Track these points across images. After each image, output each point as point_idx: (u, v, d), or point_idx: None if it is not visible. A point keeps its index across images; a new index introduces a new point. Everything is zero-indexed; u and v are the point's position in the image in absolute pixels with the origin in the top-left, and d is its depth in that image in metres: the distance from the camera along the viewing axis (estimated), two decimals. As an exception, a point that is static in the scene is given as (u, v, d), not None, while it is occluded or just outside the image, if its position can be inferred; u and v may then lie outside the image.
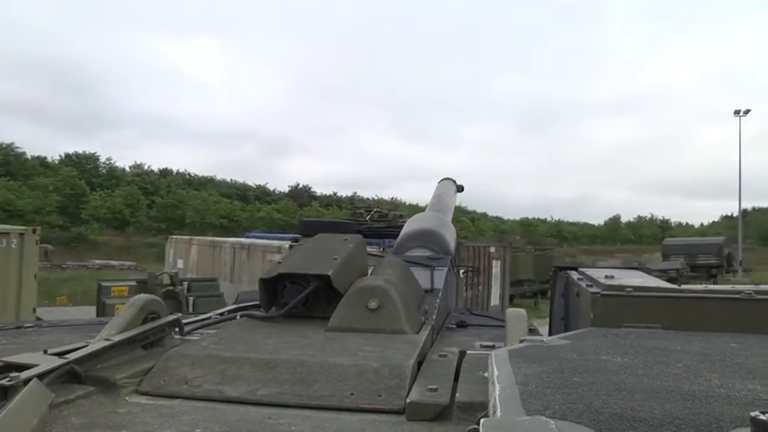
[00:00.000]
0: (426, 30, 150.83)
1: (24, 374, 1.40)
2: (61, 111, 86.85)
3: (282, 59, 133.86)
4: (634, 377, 1.28)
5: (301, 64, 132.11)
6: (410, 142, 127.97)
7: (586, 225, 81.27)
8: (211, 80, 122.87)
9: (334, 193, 71.65)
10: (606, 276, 2.43)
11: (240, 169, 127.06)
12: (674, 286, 2.27)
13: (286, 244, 13.99)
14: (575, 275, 2.83)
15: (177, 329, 2.16)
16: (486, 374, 1.49)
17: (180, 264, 18.57)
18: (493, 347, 1.95)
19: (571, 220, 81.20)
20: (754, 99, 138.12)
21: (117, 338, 1.80)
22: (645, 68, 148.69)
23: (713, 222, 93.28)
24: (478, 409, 1.38)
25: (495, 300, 18.57)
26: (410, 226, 4.19)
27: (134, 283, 12.90)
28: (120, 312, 1.97)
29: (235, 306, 2.96)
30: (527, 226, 67.82)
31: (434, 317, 2.53)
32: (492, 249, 19.20)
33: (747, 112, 50.06)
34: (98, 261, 35.00)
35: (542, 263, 28.08)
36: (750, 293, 2.05)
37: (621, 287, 2.17)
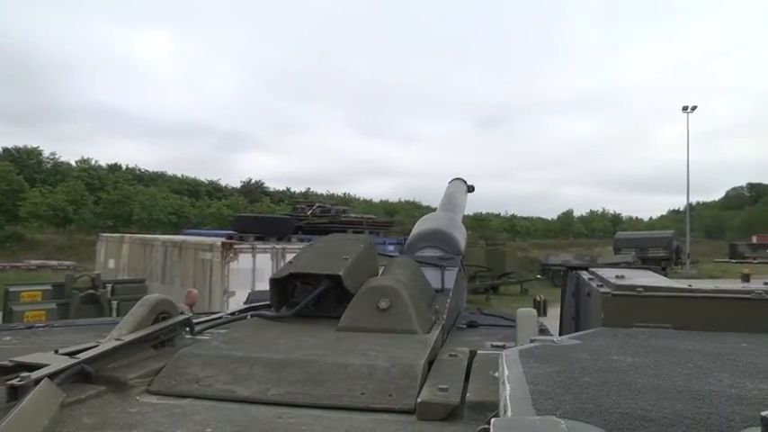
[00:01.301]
0: (384, 24, 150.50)
1: (35, 374, 1.42)
2: (1, 102, 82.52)
3: (238, 53, 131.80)
4: (644, 377, 1.30)
5: (257, 58, 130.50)
6: (366, 138, 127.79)
7: (540, 220, 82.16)
8: (165, 73, 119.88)
9: (288, 189, 71.00)
10: (617, 276, 2.43)
11: (193, 165, 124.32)
12: (685, 286, 2.25)
13: (219, 241, 13.35)
14: (585, 275, 2.81)
15: (188, 329, 2.18)
16: (496, 374, 1.52)
17: (111, 264, 17.41)
18: (503, 347, 1.97)
19: (525, 215, 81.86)
20: (707, 96, 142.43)
21: (128, 338, 1.82)
22: (604, 66, 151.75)
23: (661, 216, 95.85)
24: (489, 408, 1.42)
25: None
26: (421, 226, 4.22)
27: (49, 287, 11.75)
28: (130, 312, 1.97)
29: (246, 306, 3.00)
30: (480, 221, 68.31)
31: (445, 317, 2.52)
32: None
33: (694, 108, 51.47)
34: (34, 261, 33.03)
35: (494, 257, 27.66)
36: (761, 293, 2.04)
37: (632, 287, 2.17)
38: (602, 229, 76.32)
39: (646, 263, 44.61)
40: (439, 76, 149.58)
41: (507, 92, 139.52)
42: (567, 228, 75.94)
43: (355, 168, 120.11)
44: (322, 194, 68.85)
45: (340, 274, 2.40)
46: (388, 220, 22.91)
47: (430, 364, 1.81)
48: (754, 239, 63.87)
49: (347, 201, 66.72)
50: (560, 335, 2.25)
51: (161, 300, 2.04)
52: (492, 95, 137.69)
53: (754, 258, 55.18)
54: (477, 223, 67.30)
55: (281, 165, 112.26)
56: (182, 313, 2.14)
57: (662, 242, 48.06)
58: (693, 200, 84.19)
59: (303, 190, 70.15)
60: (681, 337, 1.83)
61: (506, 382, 1.24)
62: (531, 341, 1.69)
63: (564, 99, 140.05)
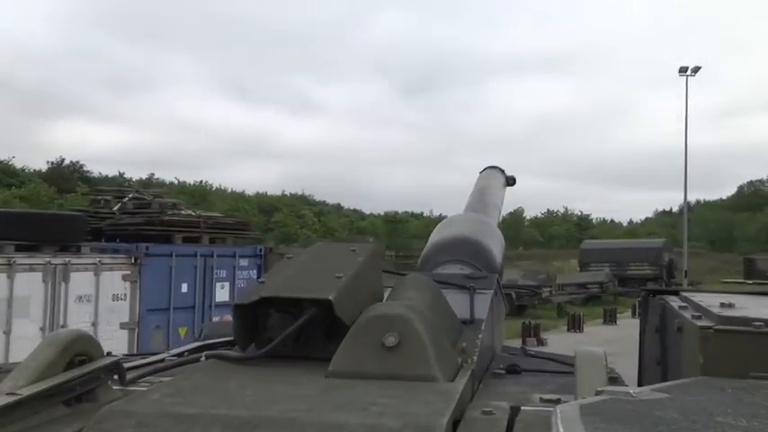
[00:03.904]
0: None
1: None
2: None
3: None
4: None
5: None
6: (244, 105, 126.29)
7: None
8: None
9: (121, 174, 70.47)
10: (722, 304, 2.51)
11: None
12: None
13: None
14: (675, 302, 2.97)
15: (117, 377, 2.33)
16: None
17: None
18: (558, 401, 2.12)
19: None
20: (717, 55, 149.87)
21: (26, 392, 1.89)
22: (577, 13, 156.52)
23: (647, 219, 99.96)
24: None
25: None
26: (441, 232, 4.52)
27: None
28: (31, 354, 2.06)
29: (198, 343, 3.22)
30: (394, 223, 68.88)
31: (476, 358, 2.66)
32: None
33: (697, 69, 51.12)
34: None
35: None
36: None
37: (747, 320, 2.22)
38: (563, 236, 78.98)
39: (625, 283, 46.08)
40: (349, 23, 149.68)
41: (443, 47, 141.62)
42: (516, 234, 77.50)
43: (224, 147, 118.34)
44: (172, 183, 67.70)
45: (330, 298, 2.45)
46: (241, 222, 22.09)
47: (455, 424, 1.89)
48: (780, 253, 66.99)
49: (205, 193, 65.70)
50: (639, 385, 2.45)
51: (77, 336, 2.16)
52: (422, 51, 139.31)
53: (780, 279, 57.74)
54: (390, 226, 67.97)
55: (114, 139, 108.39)
56: (108, 354, 2.27)
57: (647, 255, 49.70)
58: (693, 197, 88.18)
59: (145, 176, 69.41)
60: None
61: None
62: (598, 393, 1.75)
63: (520, 58, 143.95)
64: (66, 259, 14.06)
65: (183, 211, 19.08)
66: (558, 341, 21.83)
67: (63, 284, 13.91)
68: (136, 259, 15.13)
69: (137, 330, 15.16)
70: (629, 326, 28.15)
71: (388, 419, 1.77)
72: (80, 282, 14.22)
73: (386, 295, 2.96)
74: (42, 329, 13.44)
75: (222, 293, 17.23)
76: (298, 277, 2.68)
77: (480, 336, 2.94)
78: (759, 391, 1.86)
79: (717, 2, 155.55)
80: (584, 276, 45.49)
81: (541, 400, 2.29)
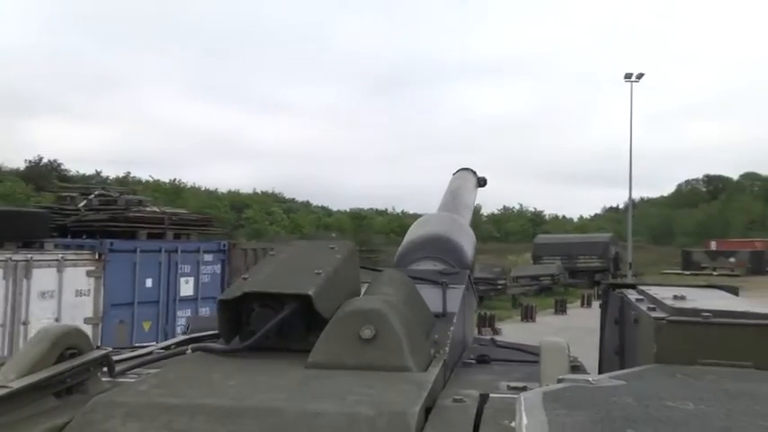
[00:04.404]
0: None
1: None
2: None
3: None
4: (711, 431, 1.37)
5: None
6: (216, 106, 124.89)
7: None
8: None
9: (98, 173, 68.79)
10: (675, 297, 2.60)
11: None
12: None
13: None
14: (633, 295, 3.05)
15: (106, 369, 2.33)
16: (513, 424, 1.61)
17: None
18: (524, 389, 2.10)
19: (420, 212, 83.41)
20: (662, 65, 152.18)
21: (17, 384, 1.89)
22: (534, 22, 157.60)
23: (596, 215, 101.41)
24: None
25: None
26: (416, 231, 4.64)
27: None
28: (23, 348, 2.10)
29: (185, 337, 3.22)
30: (360, 219, 69.01)
31: (447, 349, 2.70)
32: (277, 254, 18.64)
33: (641, 76, 53.28)
34: None
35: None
36: None
37: (696, 311, 2.29)
38: (518, 231, 79.67)
39: (575, 275, 46.77)
40: (316, 27, 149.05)
41: (406, 51, 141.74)
42: (474, 229, 77.40)
43: (198, 147, 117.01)
44: (148, 181, 67.10)
45: (310, 293, 2.49)
46: (205, 218, 21.98)
47: (428, 411, 1.91)
48: (713, 245, 68.98)
49: (178, 191, 65.28)
50: (600, 373, 2.44)
51: (67, 331, 2.15)
52: (386, 54, 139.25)
53: (714, 269, 59.53)
54: (355, 222, 67.97)
55: (92, 138, 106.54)
56: (98, 347, 2.27)
57: (596, 248, 50.54)
58: (637, 195, 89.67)
59: (121, 174, 69.13)
60: (765, 380, 1.89)
61: None
62: (560, 381, 1.77)
63: (478, 62, 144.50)
64: (29, 256, 13.85)
65: (148, 208, 18.96)
66: (512, 331, 22.08)
67: (25, 281, 13.69)
68: (100, 255, 14.98)
69: (100, 325, 15.00)
70: (577, 315, 28.70)
71: (363, 408, 1.80)
72: (43, 278, 14.01)
73: (363, 290, 2.99)
74: (2, 326, 13.33)
75: (187, 288, 17.17)
76: (279, 273, 2.70)
77: (452, 328, 2.97)
78: (706, 376, 1.91)
79: (662, 14, 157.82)
80: (537, 269, 46.10)
81: (509, 387, 2.31)
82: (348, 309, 2.45)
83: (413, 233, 4.60)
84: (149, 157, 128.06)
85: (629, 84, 52.47)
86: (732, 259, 61.86)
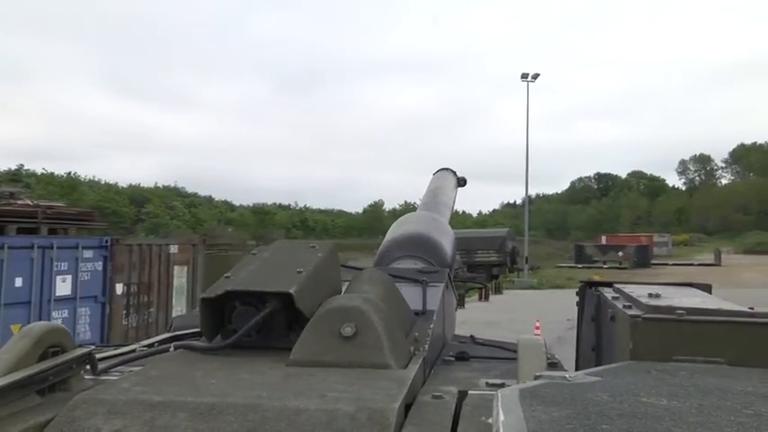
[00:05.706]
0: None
1: None
2: None
3: None
4: (684, 426, 1.38)
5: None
6: (125, 99, 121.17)
7: (342, 213, 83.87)
8: None
9: None
10: (650, 295, 2.66)
11: None
12: (744, 309, 2.43)
13: None
14: (608, 293, 3.10)
15: (89, 367, 2.33)
16: (491, 420, 1.64)
17: None
18: (502, 386, 2.12)
19: (323, 207, 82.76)
20: (560, 67, 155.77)
21: (0, 382, 1.89)
22: (442, 23, 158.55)
23: (494, 211, 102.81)
24: None
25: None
26: (397, 230, 4.71)
27: None
28: (6, 346, 2.06)
29: (168, 335, 3.23)
30: (262, 214, 68.43)
31: (427, 347, 2.74)
32: (173, 250, 18.75)
33: (536, 77, 54.72)
34: None
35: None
36: None
37: (671, 309, 2.37)
38: (419, 227, 79.21)
39: (473, 269, 46.64)
40: (231, 23, 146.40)
41: (318, 47, 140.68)
42: (376, 224, 79.19)
43: (102, 140, 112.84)
44: (42, 174, 63.93)
45: (291, 291, 2.51)
46: (84, 212, 20.71)
47: (407, 408, 1.95)
48: (603, 240, 70.81)
49: (74, 184, 62.84)
50: (577, 369, 2.70)
51: (50, 329, 2.17)
52: (298, 52, 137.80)
53: (604, 263, 61.01)
54: (258, 217, 67.05)
55: None
56: (80, 345, 2.28)
57: (493, 243, 50.76)
58: (533, 191, 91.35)
59: (14, 167, 65.28)
60: (736, 376, 1.93)
61: (501, 429, 1.35)
62: (537, 378, 1.79)
63: (386, 62, 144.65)
64: None
65: (19, 201, 17.42)
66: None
67: None
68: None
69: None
70: (475, 309, 28.31)
71: (344, 404, 1.82)
72: None
73: (344, 289, 3.02)
74: None
75: (64, 287, 15.64)
76: (261, 272, 2.73)
77: (432, 326, 3.01)
78: (680, 372, 1.94)
79: (561, 20, 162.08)
80: (435, 263, 45.64)
81: (487, 384, 2.34)
82: (329, 307, 2.47)
83: (393, 232, 4.65)
84: (49, 150, 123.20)
85: (526, 84, 53.69)
86: (620, 253, 63.61)
